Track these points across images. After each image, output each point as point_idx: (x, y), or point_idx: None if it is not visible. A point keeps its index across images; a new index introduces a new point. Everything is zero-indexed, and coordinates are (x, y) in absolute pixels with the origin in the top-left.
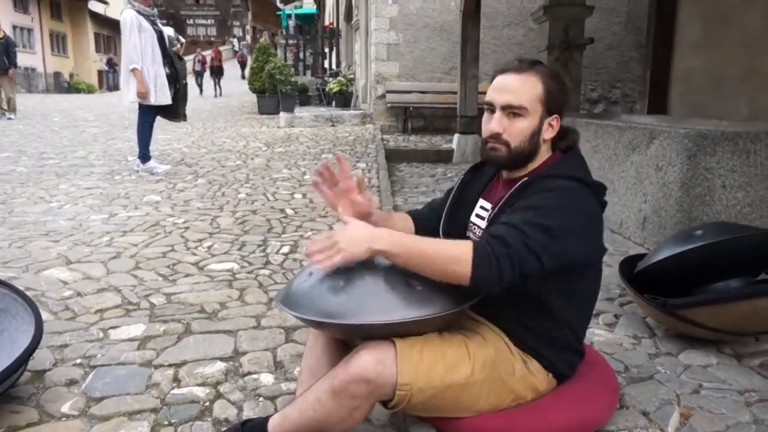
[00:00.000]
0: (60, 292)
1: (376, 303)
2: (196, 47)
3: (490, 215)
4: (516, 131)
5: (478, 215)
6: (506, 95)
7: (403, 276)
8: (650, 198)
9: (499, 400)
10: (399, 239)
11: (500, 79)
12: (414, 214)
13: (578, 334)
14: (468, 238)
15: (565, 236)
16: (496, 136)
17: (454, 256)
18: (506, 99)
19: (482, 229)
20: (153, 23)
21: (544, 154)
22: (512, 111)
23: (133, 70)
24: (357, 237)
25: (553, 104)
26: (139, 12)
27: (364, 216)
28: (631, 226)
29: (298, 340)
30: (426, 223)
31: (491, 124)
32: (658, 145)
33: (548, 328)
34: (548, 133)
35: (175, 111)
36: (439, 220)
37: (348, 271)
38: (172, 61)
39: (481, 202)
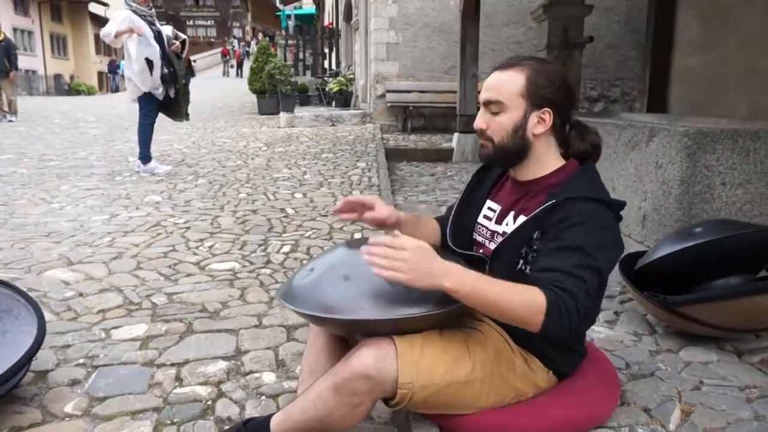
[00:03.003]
0: (62, 293)
1: (377, 299)
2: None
3: (497, 216)
4: (496, 126)
5: (485, 216)
6: (487, 92)
7: None
8: (650, 196)
9: (500, 397)
10: (469, 280)
11: (488, 78)
12: (438, 220)
13: (580, 334)
14: (474, 239)
15: (607, 267)
16: (481, 133)
17: (526, 306)
18: (486, 95)
19: (489, 230)
20: (151, 23)
21: (551, 157)
22: (492, 107)
23: (116, 34)
24: (428, 267)
25: (538, 97)
26: (135, 12)
27: (393, 225)
28: (631, 224)
29: (300, 339)
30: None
31: (476, 120)
32: (657, 142)
33: None
34: (539, 128)
35: (177, 111)
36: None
37: (348, 267)
38: (170, 61)
39: (489, 203)
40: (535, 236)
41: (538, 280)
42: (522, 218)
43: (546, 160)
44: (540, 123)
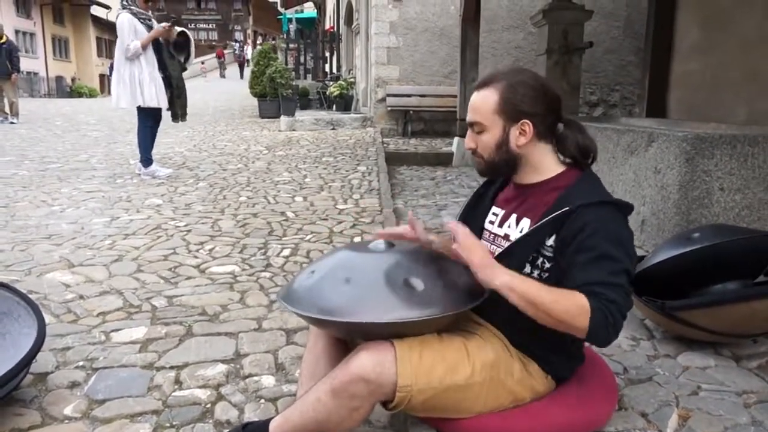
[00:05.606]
0: (62, 295)
1: (377, 302)
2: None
3: (500, 219)
4: (482, 145)
5: (490, 221)
6: (469, 114)
7: (404, 276)
8: (648, 201)
9: (498, 402)
10: (523, 284)
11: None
12: None
13: (578, 339)
14: None
15: (632, 264)
16: (472, 151)
17: (574, 316)
18: (468, 117)
19: (492, 233)
20: (149, 27)
21: (549, 162)
22: (475, 127)
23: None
24: (491, 262)
25: (514, 112)
26: (135, 15)
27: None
28: None
29: (299, 342)
30: None
31: (465, 141)
32: (656, 148)
33: (548, 333)
34: (521, 140)
35: (173, 112)
36: None
37: (350, 270)
38: (164, 65)
39: (494, 209)
40: (548, 243)
41: (585, 294)
42: (525, 220)
43: (545, 165)
44: (522, 135)
